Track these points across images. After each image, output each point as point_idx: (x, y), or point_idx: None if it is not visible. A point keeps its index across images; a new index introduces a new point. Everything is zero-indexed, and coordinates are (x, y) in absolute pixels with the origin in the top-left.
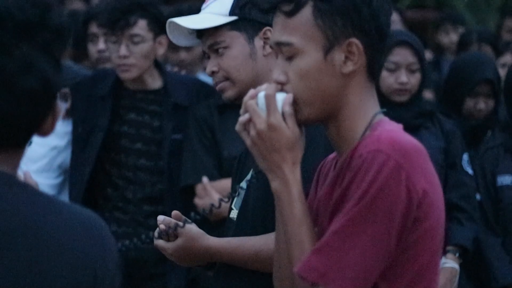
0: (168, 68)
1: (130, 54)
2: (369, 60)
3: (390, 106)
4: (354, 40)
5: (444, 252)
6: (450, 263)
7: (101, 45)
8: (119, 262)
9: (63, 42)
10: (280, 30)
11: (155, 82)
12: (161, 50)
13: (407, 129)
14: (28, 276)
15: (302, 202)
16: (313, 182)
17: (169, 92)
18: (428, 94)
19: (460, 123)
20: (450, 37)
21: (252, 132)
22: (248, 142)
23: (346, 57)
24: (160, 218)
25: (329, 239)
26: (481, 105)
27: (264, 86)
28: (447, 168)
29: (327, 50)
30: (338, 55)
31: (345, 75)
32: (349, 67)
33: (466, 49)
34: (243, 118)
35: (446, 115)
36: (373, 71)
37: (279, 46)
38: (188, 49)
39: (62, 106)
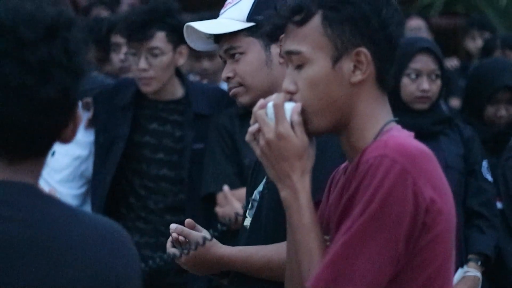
0: (191, 77)
1: (149, 67)
2: (378, 69)
3: (410, 114)
4: (363, 49)
5: (466, 261)
6: (472, 271)
7: (123, 54)
8: (141, 272)
9: (83, 52)
10: (290, 39)
11: (176, 91)
12: (181, 60)
13: (427, 136)
14: (50, 285)
15: (311, 210)
16: (325, 190)
17: (191, 101)
18: (455, 102)
19: (482, 130)
20: (476, 43)
21: (261, 142)
22: (257, 151)
23: (355, 66)
24: (173, 226)
25: (338, 250)
26: (502, 112)
27: (274, 96)
28: (467, 175)
29: (336, 59)
30: (346, 64)
31: (354, 84)
32: (358, 76)
33: (490, 55)
34: (252, 128)
35: (468, 122)
36: (383, 80)
37: (289, 55)
38: (211, 58)
39: (85, 115)
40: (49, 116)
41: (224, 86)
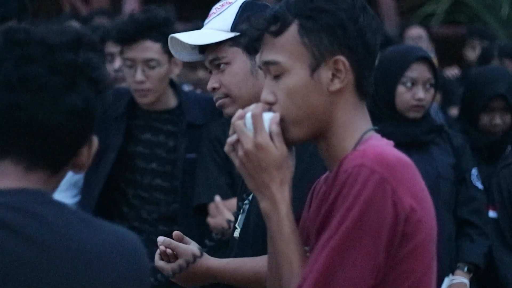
0: (185, 87)
1: (146, 79)
2: (357, 77)
3: (403, 123)
4: (341, 58)
5: (454, 269)
6: (458, 278)
7: (118, 64)
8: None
9: (103, 69)
10: (267, 49)
11: (170, 101)
12: (176, 70)
13: (419, 146)
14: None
15: (291, 221)
16: (307, 201)
17: (184, 111)
18: (453, 111)
19: (477, 139)
20: (476, 53)
21: (240, 152)
22: (236, 162)
23: (333, 75)
24: (160, 239)
25: (318, 259)
26: (497, 120)
27: (252, 106)
28: (457, 183)
29: (314, 68)
30: (325, 73)
31: (333, 92)
32: (336, 84)
33: (487, 63)
34: (231, 138)
35: (465, 131)
36: (361, 88)
37: (266, 65)
38: (206, 67)
39: None
40: (70, 123)
41: None
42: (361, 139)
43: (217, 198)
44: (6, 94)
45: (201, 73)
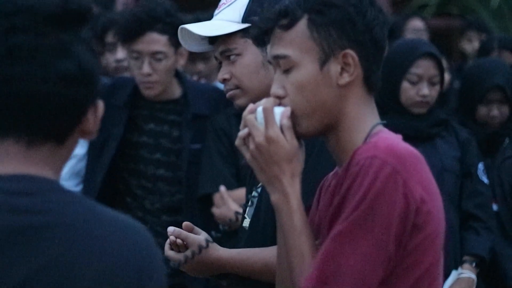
0: (187, 77)
1: (153, 71)
2: (366, 71)
3: (407, 116)
4: (349, 52)
5: (461, 263)
6: (467, 273)
7: (120, 54)
8: (166, 273)
9: (89, 27)
10: (277, 43)
11: (174, 91)
12: (181, 61)
13: (424, 139)
14: (66, 273)
15: (302, 213)
16: (315, 197)
17: (189, 101)
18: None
19: (475, 131)
20: (473, 45)
21: (251, 146)
22: (247, 156)
23: (342, 69)
24: (170, 229)
25: (328, 247)
26: (495, 112)
27: (263, 100)
28: (463, 177)
29: (323, 62)
30: (334, 67)
31: (342, 86)
32: (345, 78)
33: (487, 56)
34: (242, 132)
35: (462, 123)
36: (370, 82)
37: (276, 59)
38: (205, 60)
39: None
40: (67, 90)
41: (221, 85)
42: (370, 132)
43: (222, 188)
44: None
45: (200, 66)
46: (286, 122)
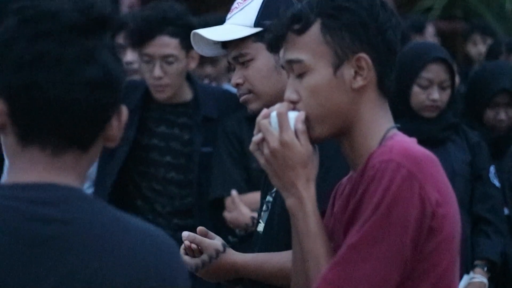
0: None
1: (164, 74)
2: (379, 74)
3: (418, 120)
4: (363, 55)
5: (472, 267)
6: (478, 277)
7: (129, 57)
8: (189, 283)
9: (114, 34)
10: (290, 48)
11: (185, 94)
12: (193, 64)
13: (434, 143)
14: (90, 281)
15: (317, 217)
16: (330, 201)
17: (200, 104)
18: None
19: (483, 135)
20: (478, 48)
21: (266, 151)
22: (261, 161)
23: (356, 72)
24: (185, 234)
25: (345, 252)
26: (502, 115)
27: (277, 105)
28: (473, 180)
29: (337, 66)
30: (347, 71)
31: (356, 90)
32: (359, 82)
33: (495, 59)
34: (256, 137)
35: (470, 127)
36: (383, 86)
37: (289, 64)
38: (213, 63)
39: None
40: (91, 96)
41: (230, 88)
42: (385, 136)
43: (234, 192)
44: (20, 74)
45: (208, 69)
46: (301, 127)
